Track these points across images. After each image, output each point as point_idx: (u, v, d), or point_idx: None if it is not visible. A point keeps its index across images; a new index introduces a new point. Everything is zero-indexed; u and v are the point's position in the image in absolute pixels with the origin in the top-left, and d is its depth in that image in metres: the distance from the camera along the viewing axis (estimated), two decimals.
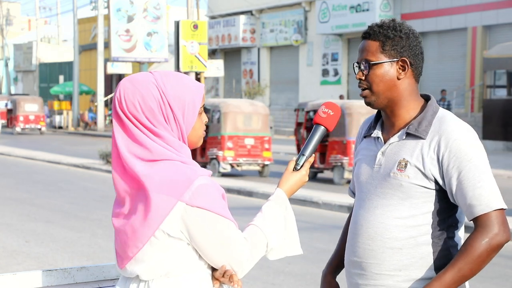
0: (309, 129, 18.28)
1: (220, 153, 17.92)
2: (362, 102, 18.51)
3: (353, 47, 36.65)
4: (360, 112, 16.47)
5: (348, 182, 16.75)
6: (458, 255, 2.55)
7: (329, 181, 17.37)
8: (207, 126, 18.09)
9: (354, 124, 16.40)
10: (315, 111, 18.22)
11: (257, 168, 18.30)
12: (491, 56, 25.30)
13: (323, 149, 17.26)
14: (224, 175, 18.23)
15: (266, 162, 18.17)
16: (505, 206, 2.57)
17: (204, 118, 2.46)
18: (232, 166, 18.05)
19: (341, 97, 32.19)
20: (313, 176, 17.90)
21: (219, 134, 18.07)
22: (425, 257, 2.62)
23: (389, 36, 2.66)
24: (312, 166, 17.18)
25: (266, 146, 18.08)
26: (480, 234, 2.53)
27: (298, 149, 18.26)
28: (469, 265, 2.53)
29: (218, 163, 17.92)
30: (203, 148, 18.42)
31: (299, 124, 19.08)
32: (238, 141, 17.90)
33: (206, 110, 18.71)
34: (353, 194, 2.94)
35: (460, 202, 2.58)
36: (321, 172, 17.95)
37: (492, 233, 2.53)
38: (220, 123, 18.11)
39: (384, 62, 2.66)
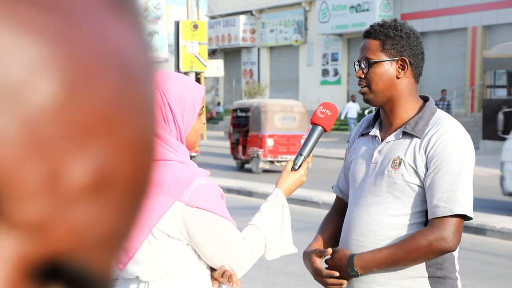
0: (235, 125, 20.09)
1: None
2: (276, 100, 19.45)
3: (353, 47, 36.65)
4: (274, 110, 18.64)
5: (264, 171, 18.80)
6: (400, 241, 2.58)
7: (250, 171, 19.09)
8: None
9: (268, 120, 18.54)
10: (241, 109, 20.37)
11: None
12: (491, 56, 25.30)
13: (244, 142, 19.25)
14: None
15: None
16: (470, 215, 2.56)
17: (203, 119, 2.47)
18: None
19: (352, 97, 31.95)
20: (241, 167, 19.77)
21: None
22: None
23: (389, 35, 2.67)
24: (236, 157, 19.71)
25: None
26: (428, 232, 2.55)
27: (232, 150, 20.08)
28: (403, 254, 2.55)
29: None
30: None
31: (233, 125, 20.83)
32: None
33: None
34: (339, 190, 2.96)
35: (427, 200, 2.59)
36: (247, 163, 19.46)
37: (439, 236, 2.53)
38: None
39: (384, 61, 2.67)
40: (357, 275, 2.62)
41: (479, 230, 10.23)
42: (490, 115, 25.24)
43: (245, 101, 21.03)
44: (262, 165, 18.48)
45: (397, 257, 2.57)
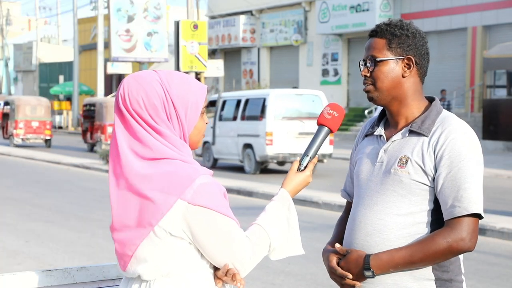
0: (85, 116, 28.48)
1: (14, 131, 29.27)
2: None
3: (353, 47, 36.64)
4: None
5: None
6: (418, 242, 2.56)
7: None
8: (7, 114, 30.44)
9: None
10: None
11: (41, 141, 29.70)
12: (491, 56, 25.30)
13: (92, 130, 27.51)
14: (18, 146, 29.46)
15: (47, 137, 29.53)
16: (483, 214, 2.57)
17: (206, 118, 2.47)
18: (23, 140, 29.37)
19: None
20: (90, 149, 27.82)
21: (14, 119, 29.30)
22: None
23: (396, 34, 2.67)
24: (85, 141, 28.59)
25: (48, 126, 29.46)
26: (447, 232, 2.54)
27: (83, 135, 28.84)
28: (422, 255, 2.54)
29: (13, 138, 29.32)
30: (5, 128, 30.55)
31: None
32: (27, 123, 29.24)
33: (6, 103, 31.40)
34: (347, 194, 2.94)
35: (441, 200, 2.58)
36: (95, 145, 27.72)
37: (458, 237, 2.53)
38: (14, 112, 29.45)
39: (390, 59, 2.67)
40: (373, 276, 2.59)
41: (479, 230, 10.22)
42: (490, 115, 25.25)
43: (92, 98, 31.37)
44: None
45: (415, 258, 2.55)
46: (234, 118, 19.43)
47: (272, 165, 19.84)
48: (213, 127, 19.94)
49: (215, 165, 20.38)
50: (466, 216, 2.54)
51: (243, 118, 19.06)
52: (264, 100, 18.38)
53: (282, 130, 18.09)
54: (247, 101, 19.11)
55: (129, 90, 2.36)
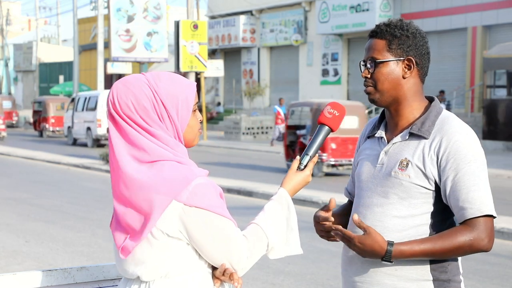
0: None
1: None
2: None
3: (353, 47, 36.63)
4: None
5: None
6: (439, 236, 2.55)
7: None
8: None
9: None
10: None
11: None
12: (491, 56, 25.29)
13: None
14: None
15: None
16: (495, 214, 2.57)
17: (199, 116, 2.46)
18: None
19: None
20: None
21: None
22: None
23: (395, 35, 2.66)
24: None
25: None
26: (469, 231, 2.54)
27: None
28: (442, 250, 2.54)
29: None
30: None
31: None
32: None
33: None
34: (349, 194, 2.95)
35: (452, 204, 2.58)
36: None
37: (479, 236, 2.53)
38: None
39: (390, 61, 2.66)
40: (389, 262, 2.56)
41: None
42: (490, 115, 25.25)
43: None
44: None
45: (435, 252, 2.54)
46: (82, 110, 29.42)
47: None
48: (72, 116, 30.04)
49: (75, 143, 30.33)
50: (481, 217, 2.54)
51: (86, 109, 29.06)
52: (97, 97, 28.52)
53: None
54: (89, 98, 29.27)
55: (118, 95, 2.37)
